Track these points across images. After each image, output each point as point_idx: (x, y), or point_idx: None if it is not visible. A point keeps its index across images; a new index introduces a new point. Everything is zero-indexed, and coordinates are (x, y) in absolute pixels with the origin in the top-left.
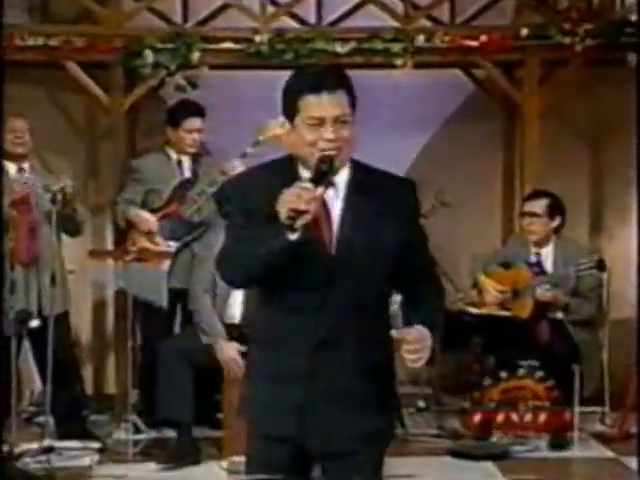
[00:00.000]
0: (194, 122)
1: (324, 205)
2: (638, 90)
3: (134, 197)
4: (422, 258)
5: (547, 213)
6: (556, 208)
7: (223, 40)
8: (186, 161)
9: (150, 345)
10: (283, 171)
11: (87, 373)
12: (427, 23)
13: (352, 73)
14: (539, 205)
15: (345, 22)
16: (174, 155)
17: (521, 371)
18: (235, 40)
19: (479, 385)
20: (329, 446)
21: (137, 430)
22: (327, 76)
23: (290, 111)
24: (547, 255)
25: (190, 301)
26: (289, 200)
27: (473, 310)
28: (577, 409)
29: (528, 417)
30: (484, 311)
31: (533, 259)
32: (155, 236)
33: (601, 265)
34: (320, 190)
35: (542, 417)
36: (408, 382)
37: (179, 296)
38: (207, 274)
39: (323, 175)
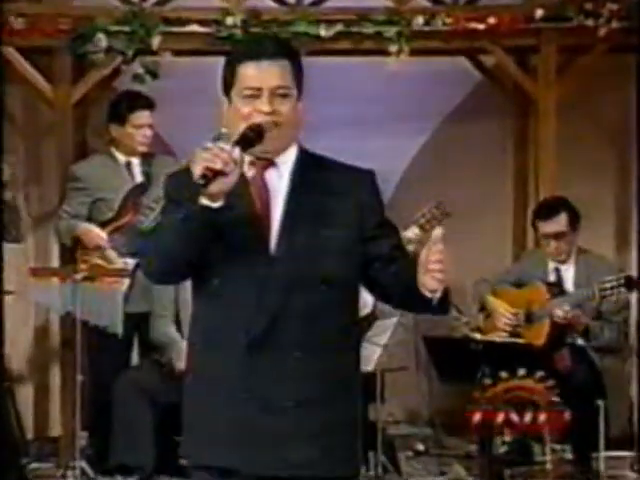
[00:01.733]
0: (143, 116)
1: (264, 187)
2: (638, 91)
3: (79, 210)
4: (395, 248)
5: (570, 228)
6: (575, 217)
7: (188, 22)
8: (136, 163)
9: (102, 379)
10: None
11: (27, 413)
12: (426, 3)
13: (338, 61)
14: (561, 222)
15: (330, 1)
16: (121, 157)
17: (521, 371)
18: (202, 22)
19: (479, 385)
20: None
21: (87, 479)
22: (268, 43)
23: (227, 84)
24: (567, 271)
25: (151, 328)
26: (204, 157)
27: (480, 336)
28: (602, 453)
29: (528, 417)
30: (493, 337)
31: (552, 277)
32: (107, 252)
33: (629, 283)
34: (237, 152)
35: (542, 417)
36: (404, 420)
37: (137, 322)
38: (170, 295)
39: (248, 142)
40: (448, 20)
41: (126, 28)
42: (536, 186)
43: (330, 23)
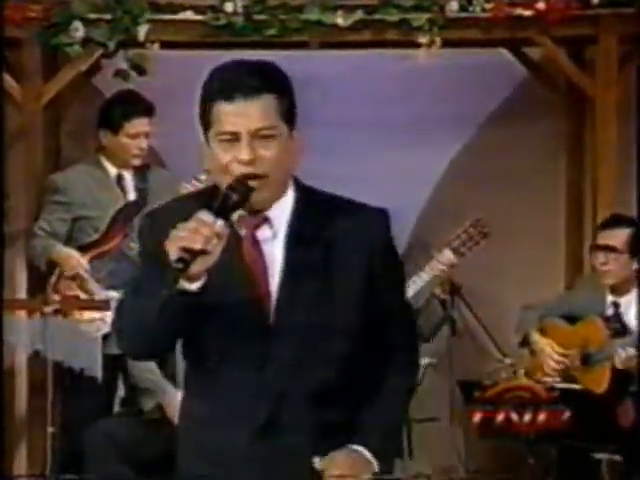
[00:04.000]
0: (140, 124)
1: (257, 249)
2: (638, 93)
3: (57, 228)
4: (393, 324)
5: (629, 248)
6: (638, 240)
7: (180, 9)
8: (129, 176)
9: (76, 430)
10: (206, 203)
11: None
12: None
13: (357, 54)
14: (618, 237)
15: None
16: (112, 169)
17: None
18: (197, 9)
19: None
20: None
21: None
22: (245, 76)
23: (203, 122)
24: (628, 306)
25: (131, 371)
26: (181, 236)
27: (526, 381)
28: None
29: (528, 417)
30: (541, 382)
31: (610, 311)
32: (88, 282)
33: None
34: (220, 224)
35: (541, 417)
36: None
37: (120, 364)
38: None
39: (232, 207)
40: (488, 5)
41: (107, 16)
42: (594, 203)
43: (348, 10)
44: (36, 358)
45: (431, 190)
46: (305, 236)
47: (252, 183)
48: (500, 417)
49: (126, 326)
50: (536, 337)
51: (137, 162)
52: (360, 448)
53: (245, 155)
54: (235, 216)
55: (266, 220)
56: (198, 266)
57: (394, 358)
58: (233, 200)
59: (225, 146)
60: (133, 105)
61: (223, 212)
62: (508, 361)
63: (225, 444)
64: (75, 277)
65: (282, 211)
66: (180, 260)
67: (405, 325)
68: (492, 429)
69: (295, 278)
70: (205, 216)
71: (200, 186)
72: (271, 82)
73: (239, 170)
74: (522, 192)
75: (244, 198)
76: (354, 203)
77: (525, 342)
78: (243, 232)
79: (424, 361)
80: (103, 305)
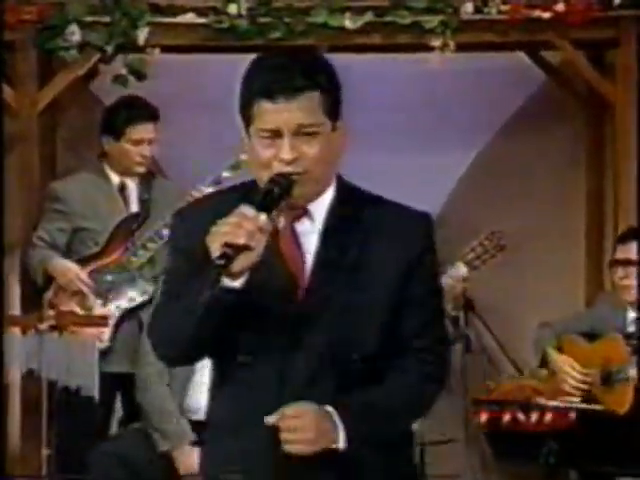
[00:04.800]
0: (144, 130)
1: (295, 242)
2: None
3: (56, 238)
4: (423, 324)
5: None
6: None
7: (182, 11)
8: (132, 186)
9: (74, 452)
10: (246, 198)
11: None
12: None
13: (367, 58)
14: (633, 249)
15: None
16: (115, 177)
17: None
18: (199, 11)
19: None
20: None
21: None
22: (286, 72)
23: (244, 118)
24: None
25: (137, 390)
26: (224, 231)
27: (545, 401)
28: None
29: (534, 416)
30: (560, 403)
31: (631, 327)
32: (87, 298)
33: None
34: (264, 218)
35: (548, 417)
36: None
37: (119, 382)
38: None
39: (274, 201)
40: (504, 7)
41: (105, 18)
42: (615, 213)
43: (357, 12)
44: (30, 377)
45: (445, 200)
46: (341, 230)
47: (294, 177)
48: (507, 417)
49: (163, 331)
50: (554, 356)
51: (140, 170)
52: (331, 410)
53: (287, 154)
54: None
55: (306, 212)
56: (241, 262)
57: (418, 357)
58: (275, 194)
59: (266, 143)
60: (137, 110)
61: (265, 206)
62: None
63: (240, 453)
64: (74, 292)
65: (322, 205)
66: (223, 256)
67: (436, 329)
68: (499, 428)
69: (328, 271)
70: (247, 210)
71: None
72: (315, 79)
73: (281, 169)
74: (540, 202)
75: (286, 192)
76: (396, 204)
77: (544, 362)
78: (281, 224)
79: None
80: (101, 321)
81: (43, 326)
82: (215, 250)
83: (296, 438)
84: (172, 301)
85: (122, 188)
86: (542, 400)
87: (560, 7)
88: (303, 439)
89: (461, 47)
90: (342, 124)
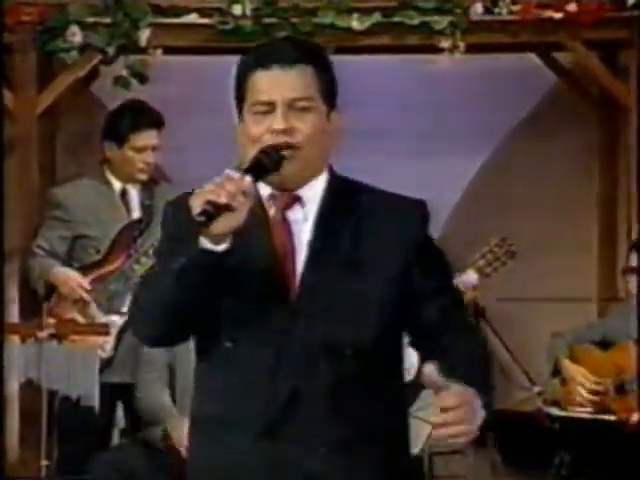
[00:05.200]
0: (148, 137)
1: (287, 230)
2: (638, 97)
3: (57, 247)
4: (445, 305)
5: None
6: None
7: (185, 11)
8: (134, 192)
9: (74, 462)
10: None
11: None
12: None
13: (374, 60)
14: None
15: None
16: (117, 183)
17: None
18: (203, 12)
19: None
20: None
21: None
22: (283, 47)
23: (238, 99)
24: None
25: (136, 398)
26: (206, 190)
27: (556, 412)
28: None
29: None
30: (573, 414)
31: None
32: (89, 306)
33: None
34: (248, 181)
35: (560, 427)
36: None
37: (121, 393)
38: (164, 356)
39: (262, 170)
40: (515, 7)
41: (106, 19)
42: (628, 220)
43: (364, 12)
44: (29, 386)
45: (454, 205)
46: (335, 217)
47: (284, 152)
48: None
49: (142, 304)
50: (567, 365)
51: (143, 177)
52: (459, 385)
53: (279, 124)
54: (265, 194)
55: (298, 200)
56: (222, 224)
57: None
58: (264, 162)
59: (259, 118)
60: (141, 116)
61: (252, 173)
62: (536, 389)
63: (230, 446)
64: (75, 300)
65: (314, 192)
66: (203, 213)
67: (456, 305)
68: (510, 438)
69: (319, 262)
70: (232, 172)
71: None
72: (310, 55)
73: (272, 140)
74: (551, 209)
75: (275, 165)
76: (390, 193)
77: (556, 371)
78: (272, 212)
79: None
80: (102, 330)
81: (43, 334)
82: (196, 207)
83: (463, 430)
84: (152, 277)
85: (124, 194)
86: (554, 410)
87: (572, 7)
88: (470, 430)
89: (470, 48)
90: (338, 118)
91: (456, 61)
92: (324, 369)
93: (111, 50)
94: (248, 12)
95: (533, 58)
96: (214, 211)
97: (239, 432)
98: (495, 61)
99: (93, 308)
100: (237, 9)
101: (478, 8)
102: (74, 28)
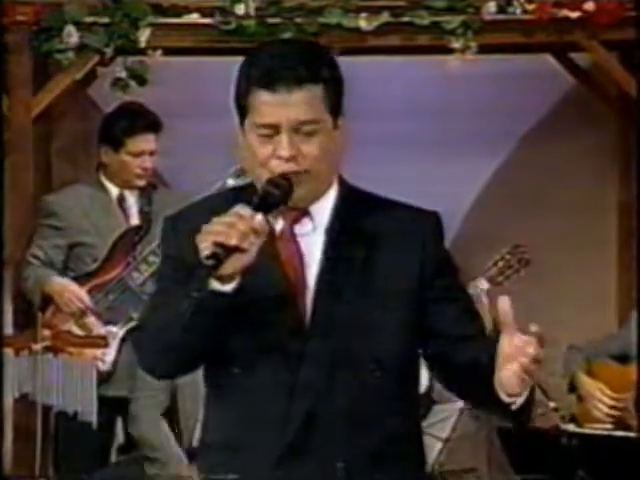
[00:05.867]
0: (145, 141)
1: (295, 245)
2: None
3: (52, 256)
4: (464, 320)
5: None
6: None
7: (186, 11)
8: (132, 198)
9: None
10: (242, 198)
11: None
12: None
13: (383, 61)
14: None
15: None
16: (114, 189)
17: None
18: (204, 11)
19: None
20: None
21: None
22: (288, 60)
23: (239, 107)
24: None
25: (129, 419)
26: (215, 230)
27: (574, 428)
28: None
29: (564, 445)
30: (591, 430)
31: None
32: (87, 318)
33: None
34: (259, 219)
35: (577, 445)
36: None
37: (119, 407)
38: (162, 382)
39: (272, 203)
40: (530, 6)
41: (104, 19)
42: None
43: (372, 12)
44: (23, 401)
45: (466, 211)
46: (347, 230)
47: (293, 179)
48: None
49: (149, 340)
50: (584, 379)
51: (140, 183)
52: None
53: (285, 152)
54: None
55: (307, 214)
56: (232, 265)
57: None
58: (274, 195)
59: (263, 140)
60: (137, 120)
61: (262, 208)
62: (552, 405)
63: (245, 471)
64: (73, 312)
65: (324, 206)
66: (212, 256)
67: (472, 316)
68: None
69: (333, 277)
70: (243, 210)
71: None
72: (318, 71)
73: (279, 167)
74: (568, 214)
75: (286, 194)
76: (403, 204)
77: (573, 386)
78: (279, 227)
79: (457, 406)
80: (100, 341)
81: (37, 347)
82: (204, 249)
83: (536, 370)
84: (159, 309)
85: (121, 200)
86: (571, 427)
87: (589, 6)
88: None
89: (483, 49)
90: (344, 122)
91: (468, 62)
92: (340, 390)
93: (109, 51)
94: (251, 11)
95: (549, 59)
96: (223, 254)
97: (254, 458)
98: (509, 62)
99: (91, 320)
100: (240, 8)
101: (491, 7)
102: (70, 28)
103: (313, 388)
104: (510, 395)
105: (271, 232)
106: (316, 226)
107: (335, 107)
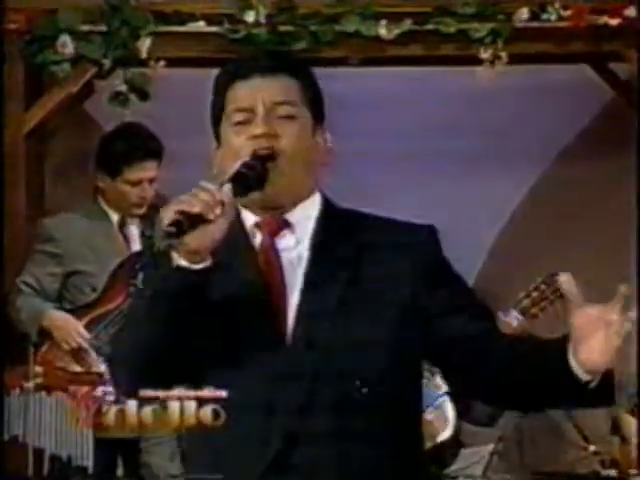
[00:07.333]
0: (143, 169)
1: (277, 260)
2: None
3: (45, 284)
4: (476, 325)
5: None
6: None
7: (191, 19)
8: (134, 224)
9: None
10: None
11: None
12: None
13: (404, 72)
14: None
15: None
16: (114, 214)
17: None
18: (211, 19)
19: None
20: None
21: None
22: (264, 57)
23: (215, 116)
24: None
25: (143, 450)
26: (178, 201)
27: (616, 473)
28: None
29: None
30: (635, 478)
31: None
32: (87, 353)
33: None
34: (226, 191)
35: None
36: None
37: (120, 448)
38: None
39: (244, 183)
40: (565, 13)
41: (102, 27)
42: None
43: (393, 19)
44: (13, 445)
45: (497, 232)
46: (332, 246)
47: (268, 164)
48: None
49: (119, 346)
50: (628, 420)
51: (139, 212)
52: None
53: (260, 129)
54: (249, 223)
55: (287, 225)
56: (198, 238)
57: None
58: (246, 176)
59: (239, 128)
60: (135, 145)
61: (233, 186)
62: (592, 448)
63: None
64: (72, 348)
65: (306, 218)
66: (174, 224)
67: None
68: None
69: (317, 294)
70: (207, 184)
71: None
72: (292, 66)
73: (252, 146)
74: (608, 240)
75: (259, 177)
76: (392, 219)
77: (615, 427)
78: (258, 240)
79: (487, 448)
80: (97, 379)
81: (29, 384)
82: (166, 219)
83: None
84: (127, 313)
85: (122, 225)
86: (612, 472)
87: (630, 12)
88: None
89: (514, 59)
90: (326, 139)
91: (497, 74)
92: (323, 408)
93: (107, 62)
94: (262, 19)
95: (586, 70)
96: (185, 221)
97: (237, 477)
98: (542, 74)
99: (92, 356)
100: (250, 15)
101: (523, 14)
102: (65, 37)
103: (293, 406)
104: (590, 372)
105: (251, 246)
106: (298, 239)
107: (312, 104)
